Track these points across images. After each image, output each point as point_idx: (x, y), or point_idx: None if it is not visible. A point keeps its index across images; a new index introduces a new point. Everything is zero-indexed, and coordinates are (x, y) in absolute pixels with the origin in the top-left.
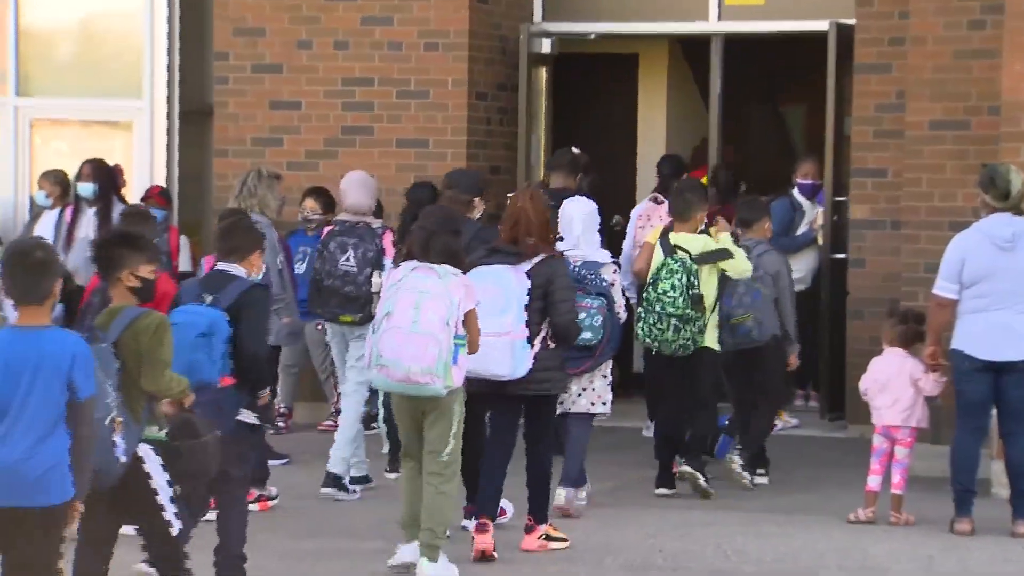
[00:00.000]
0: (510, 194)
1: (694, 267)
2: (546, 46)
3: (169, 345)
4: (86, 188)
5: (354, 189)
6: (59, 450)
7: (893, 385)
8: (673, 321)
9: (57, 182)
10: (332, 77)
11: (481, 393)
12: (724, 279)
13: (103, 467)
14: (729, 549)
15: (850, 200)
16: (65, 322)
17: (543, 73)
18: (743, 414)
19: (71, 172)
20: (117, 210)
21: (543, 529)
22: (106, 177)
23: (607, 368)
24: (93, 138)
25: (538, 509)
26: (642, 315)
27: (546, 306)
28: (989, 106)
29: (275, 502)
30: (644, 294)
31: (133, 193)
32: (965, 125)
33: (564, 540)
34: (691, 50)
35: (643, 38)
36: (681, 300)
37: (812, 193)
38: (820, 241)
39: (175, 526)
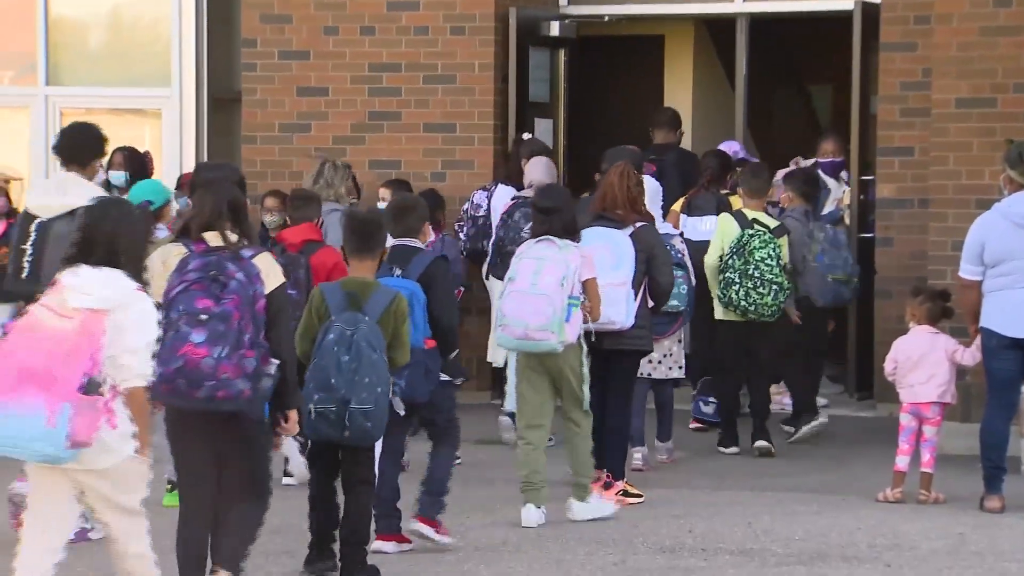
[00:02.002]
0: None
1: (779, 243)
2: (555, 29)
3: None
4: (118, 176)
5: (536, 168)
6: None
7: (927, 362)
8: (773, 287)
9: None
10: (359, 63)
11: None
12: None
13: (376, 429)
14: (758, 529)
15: (877, 179)
16: None
17: (561, 56)
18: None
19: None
20: None
21: (620, 485)
22: (138, 165)
23: (681, 334)
24: (122, 126)
25: (615, 465)
26: (736, 281)
27: (648, 268)
28: (1015, 83)
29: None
30: (729, 261)
31: (163, 180)
32: (991, 103)
33: (640, 496)
34: (717, 31)
35: (669, 19)
36: (778, 268)
37: (835, 171)
38: (847, 220)
39: (378, 474)
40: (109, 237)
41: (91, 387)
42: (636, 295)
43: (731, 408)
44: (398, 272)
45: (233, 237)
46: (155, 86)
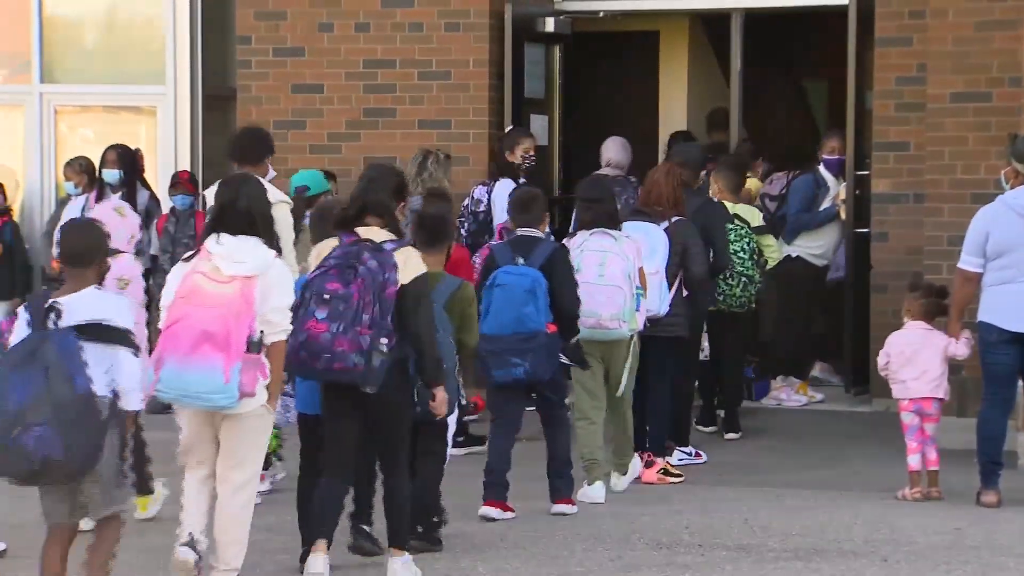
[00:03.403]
0: None
1: (754, 237)
2: (550, 25)
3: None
4: (112, 174)
5: (614, 148)
6: None
7: (920, 358)
8: (743, 279)
9: (82, 170)
10: (354, 59)
11: None
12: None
13: (450, 404)
14: (755, 524)
15: (872, 174)
16: None
17: (556, 52)
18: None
19: (96, 158)
20: (141, 196)
21: (661, 464)
22: (131, 163)
23: None
24: (117, 124)
25: (657, 444)
26: None
27: (682, 260)
28: (1010, 77)
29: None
30: None
31: (157, 178)
32: (987, 97)
33: (680, 476)
34: (712, 26)
35: (664, 15)
36: (750, 262)
37: (839, 169)
38: (843, 216)
39: (450, 449)
40: (244, 209)
41: (253, 346)
42: (672, 286)
43: (709, 388)
44: (521, 260)
45: (379, 232)
46: (150, 83)
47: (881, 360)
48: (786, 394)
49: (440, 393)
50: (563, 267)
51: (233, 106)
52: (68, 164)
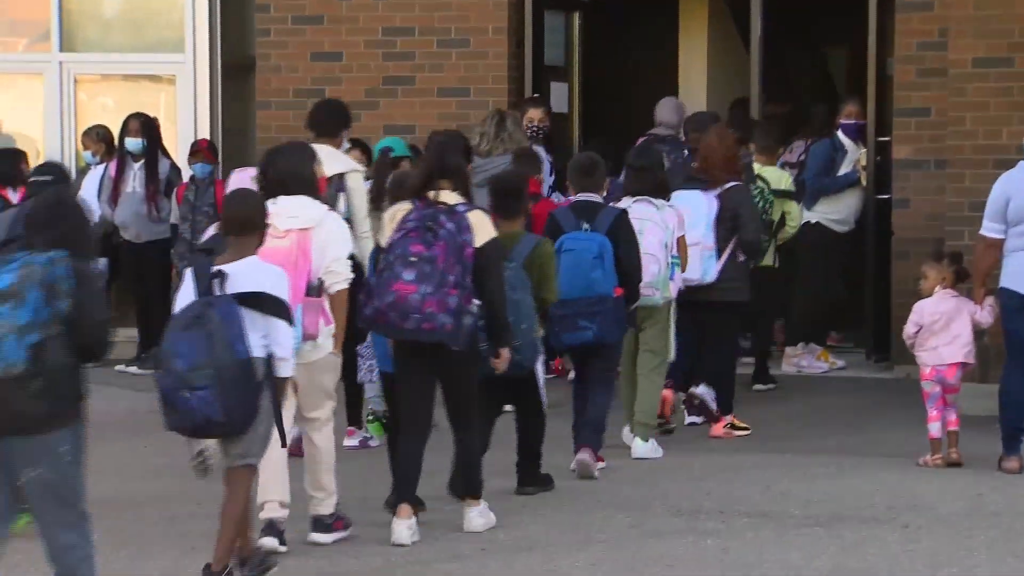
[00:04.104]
0: None
1: (771, 198)
2: None
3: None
4: (135, 143)
5: (666, 108)
6: None
7: (954, 324)
8: None
9: (100, 139)
10: (373, 27)
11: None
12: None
13: (525, 360)
14: (776, 491)
15: (894, 140)
16: (110, 275)
17: (575, 19)
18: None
19: (115, 127)
20: (162, 165)
21: (728, 419)
22: (153, 132)
23: None
24: (137, 93)
25: (723, 402)
26: None
27: (735, 226)
28: None
29: None
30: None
31: (178, 147)
32: (1008, 62)
33: (747, 428)
34: None
35: None
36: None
37: (857, 134)
38: (864, 182)
39: (545, 400)
40: (273, 178)
41: (312, 291)
42: (724, 251)
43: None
44: (586, 226)
45: (451, 195)
46: (169, 52)
47: (911, 329)
48: (807, 361)
49: (504, 352)
50: (627, 234)
51: (252, 75)
52: (85, 133)
